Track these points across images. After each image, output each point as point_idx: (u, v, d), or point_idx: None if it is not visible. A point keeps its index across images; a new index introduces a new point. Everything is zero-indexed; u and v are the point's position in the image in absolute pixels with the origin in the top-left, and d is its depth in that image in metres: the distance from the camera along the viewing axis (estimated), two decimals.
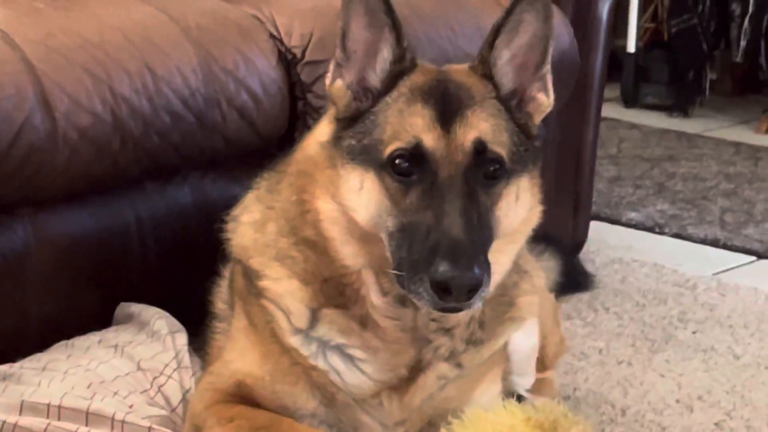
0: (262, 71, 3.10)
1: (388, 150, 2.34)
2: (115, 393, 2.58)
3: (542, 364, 3.03)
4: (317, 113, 3.13)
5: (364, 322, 2.47)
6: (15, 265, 2.80)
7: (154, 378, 2.68)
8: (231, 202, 2.72)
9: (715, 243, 4.55)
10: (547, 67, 2.47)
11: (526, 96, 2.47)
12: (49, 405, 2.51)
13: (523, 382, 2.92)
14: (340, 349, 2.49)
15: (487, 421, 2.44)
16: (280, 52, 3.18)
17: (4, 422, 2.47)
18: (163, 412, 2.61)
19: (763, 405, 3.25)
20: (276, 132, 3.16)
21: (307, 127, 3.15)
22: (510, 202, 2.39)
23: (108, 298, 2.94)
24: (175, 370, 2.71)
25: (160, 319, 2.82)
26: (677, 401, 3.25)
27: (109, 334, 2.82)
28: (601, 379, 3.35)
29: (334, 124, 2.44)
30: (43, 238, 2.83)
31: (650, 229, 4.69)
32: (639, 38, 6.48)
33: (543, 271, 3.21)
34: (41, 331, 2.85)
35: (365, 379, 2.49)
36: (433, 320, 2.47)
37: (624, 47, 6.37)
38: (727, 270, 4.31)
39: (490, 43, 2.43)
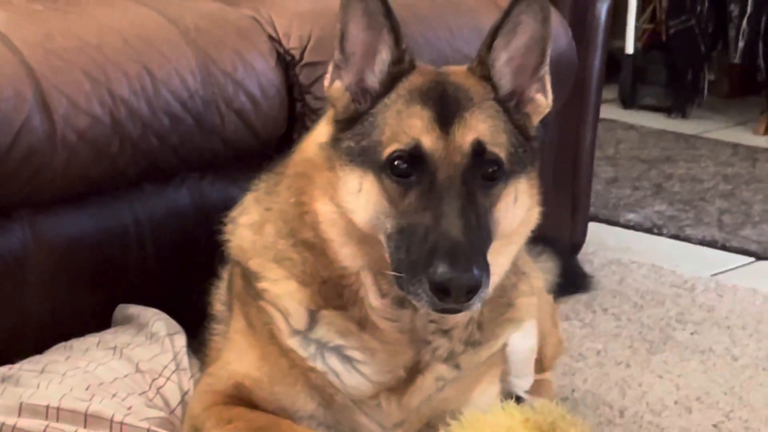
0: (261, 73, 3.11)
1: (387, 151, 2.34)
2: (114, 395, 2.58)
3: (540, 366, 3.03)
4: (316, 115, 3.13)
5: (363, 323, 2.47)
6: (14, 266, 2.80)
7: (153, 380, 2.68)
8: (229, 203, 2.72)
9: (713, 244, 4.56)
10: (546, 69, 2.47)
11: (524, 97, 2.47)
12: (47, 407, 2.51)
13: (522, 383, 2.92)
14: (338, 351, 2.49)
15: (485, 423, 2.44)
16: (278, 53, 3.18)
17: (3, 424, 2.47)
18: (162, 414, 2.61)
19: (761, 406, 3.25)
20: (274, 134, 3.16)
21: (306, 129, 3.15)
22: (508, 204, 2.39)
23: (107, 299, 2.94)
24: (173, 371, 2.71)
25: (158, 321, 2.82)
26: (675, 402, 3.25)
27: (108, 336, 2.82)
28: (599, 380, 3.36)
29: (333, 125, 2.44)
30: (42, 240, 2.83)
31: (648, 230, 4.69)
32: (637, 39, 6.48)
33: (541, 272, 3.21)
34: (40, 333, 2.85)
35: (363, 380, 2.50)
36: (432, 321, 2.47)
37: (622, 48, 6.37)
38: (725, 271, 4.31)
39: (488, 44, 2.44)
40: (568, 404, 3.13)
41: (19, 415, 2.51)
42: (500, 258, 2.44)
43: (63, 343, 2.80)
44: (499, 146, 2.37)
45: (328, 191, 2.40)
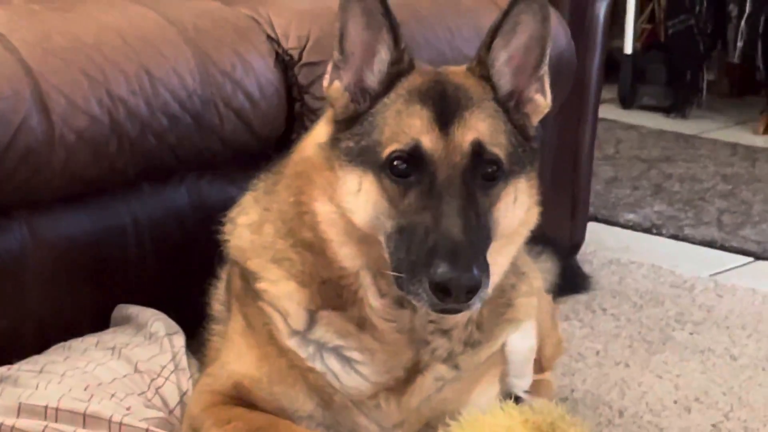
0: (259, 73, 3.10)
1: (387, 151, 2.33)
2: (113, 395, 2.58)
3: (540, 366, 3.03)
4: (314, 115, 3.13)
5: (362, 324, 2.47)
6: (12, 266, 2.80)
7: (152, 380, 2.68)
8: (228, 203, 2.72)
9: (712, 244, 4.55)
10: (545, 68, 2.47)
11: (523, 97, 2.47)
12: (46, 407, 2.50)
13: (521, 383, 2.92)
14: (337, 351, 2.49)
15: (484, 423, 2.44)
16: (277, 53, 3.17)
17: (1, 424, 2.47)
18: (161, 414, 2.61)
19: (760, 406, 3.25)
20: (273, 133, 3.16)
21: (305, 129, 3.15)
22: (508, 204, 2.39)
23: (105, 299, 2.94)
24: (172, 372, 2.71)
25: (157, 321, 2.82)
26: (675, 402, 3.25)
27: (107, 336, 2.81)
28: (599, 380, 3.35)
29: (332, 125, 2.43)
30: (40, 240, 2.83)
31: (647, 230, 4.68)
32: (636, 39, 6.48)
33: (540, 272, 3.21)
34: (38, 333, 2.84)
35: (362, 380, 2.49)
36: (431, 321, 2.47)
37: (621, 48, 6.37)
38: (725, 271, 4.31)
39: (488, 44, 2.43)
40: (568, 404, 3.13)
41: (18, 415, 2.51)
42: (499, 258, 2.44)
43: (62, 344, 2.80)
44: (499, 146, 2.37)
45: (328, 191, 2.39)
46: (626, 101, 6.44)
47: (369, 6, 2.36)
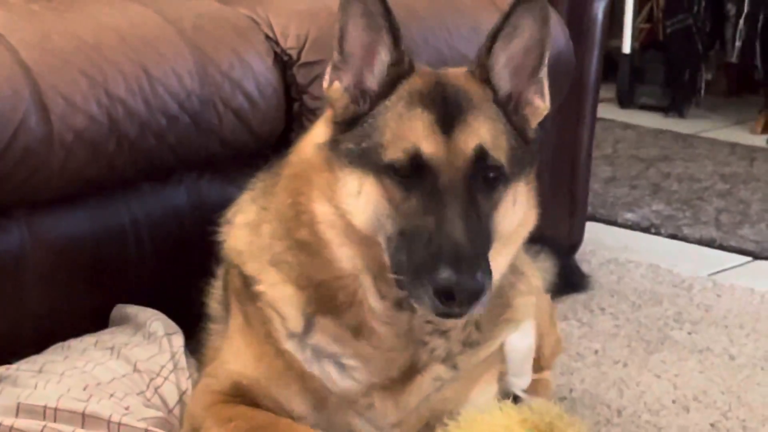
0: (258, 73, 3.10)
1: (389, 154, 2.33)
2: (112, 395, 2.58)
3: (539, 365, 3.03)
4: (313, 114, 3.13)
5: (358, 330, 2.46)
6: (11, 266, 2.80)
7: (151, 379, 2.68)
8: (227, 203, 2.72)
9: (710, 243, 4.56)
10: (544, 71, 2.47)
11: (522, 99, 2.47)
12: (45, 407, 2.50)
13: (520, 382, 2.92)
14: (333, 358, 2.49)
15: (482, 423, 2.44)
16: (275, 53, 3.17)
17: (0, 424, 2.47)
18: (160, 414, 2.61)
19: (758, 405, 3.25)
20: (272, 133, 3.16)
21: (303, 128, 3.15)
22: (508, 207, 2.39)
23: (104, 299, 2.94)
24: (171, 371, 2.71)
25: (156, 321, 2.82)
26: (673, 402, 3.25)
27: (106, 336, 2.81)
28: (597, 379, 3.35)
29: (332, 127, 2.43)
30: (39, 240, 2.83)
31: (646, 230, 4.69)
32: (634, 39, 6.48)
33: (539, 271, 3.21)
34: (37, 333, 2.84)
35: (355, 383, 2.49)
36: (429, 322, 2.47)
37: (619, 48, 6.37)
38: (723, 270, 4.31)
39: (488, 47, 2.43)
40: (566, 404, 3.13)
41: (17, 415, 2.50)
42: (499, 259, 2.44)
43: (61, 343, 2.80)
44: (500, 150, 2.37)
45: (327, 192, 2.39)
46: (624, 101, 6.44)
47: (369, 7, 2.35)
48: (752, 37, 6.06)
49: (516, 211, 2.41)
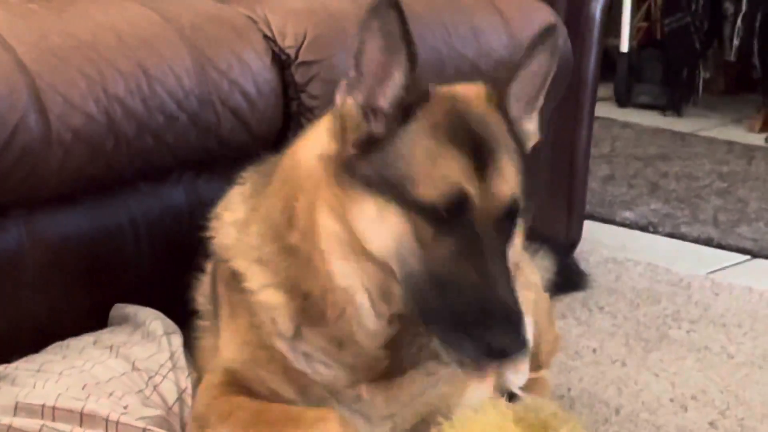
0: (256, 72, 3.10)
1: (421, 191, 2.28)
2: (111, 394, 2.58)
3: (537, 363, 3.03)
4: (311, 113, 3.14)
5: (342, 342, 2.45)
6: (9, 265, 2.79)
7: (150, 378, 2.67)
8: None
9: (708, 242, 4.56)
10: (541, 100, 2.47)
11: (521, 126, 2.47)
12: (43, 406, 2.50)
13: (517, 380, 2.92)
14: (321, 362, 2.49)
15: (476, 422, 2.43)
16: (273, 52, 3.17)
17: None
18: (159, 412, 2.61)
19: (757, 404, 3.25)
20: (270, 132, 3.16)
21: (301, 127, 3.16)
22: (518, 242, 2.42)
23: (102, 298, 2.94)
24: (170, 370, 2.71)
25: (155, 320, 2.82)
26: (671, 400, 3.25)
27: (104, 335, 2.81)
28: (595, 378, 3.36)
29: (339, 142, 2.37)
30: (37, 239, 2.83)
31: (644, 229, 4.69)
32: (632, 37, 6.48)
33: (538, 270, 3.22)
34: (36, 332, 2.84)
35: (340, 378, 2.49)
36: (418, 335, 2.46)
37: (617, 46, 6.37)
38: (721, 269, 4.31)
39: (511, 78, 2.42)
40: (564, 402, 3.14)
41: (15, 414, 2.50)
42: None
43: (59, 342, 2.80)
44: (522, 191, 2.37)
45: (336, 209, 2.35)
46: (622, 99, 6.44)
47: (389, 28, 2.29)
48: (750, 36, 6.07)
49: (520, 236, 2.43)
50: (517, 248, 2.47)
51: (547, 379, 3.13)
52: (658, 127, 6.06)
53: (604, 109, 6.08)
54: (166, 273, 3.00)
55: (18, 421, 2.48)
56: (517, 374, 2.91)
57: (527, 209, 2.41)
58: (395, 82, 2.34)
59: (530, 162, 2.46)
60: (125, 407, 2.55)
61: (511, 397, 2.72)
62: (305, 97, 3.18)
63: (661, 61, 6.41)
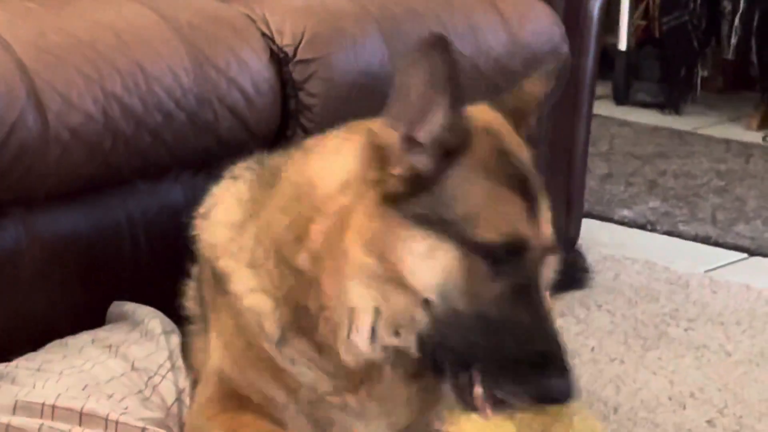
0: (254, 70, 3.10)
1: (482, 233, 2.26)
2: (110, 396, 2.58)
3: None
4: (309, 111, 3.13)
5: (323, 350, 2.43)
6: (6, 264, 2.79)
7: (149, 377, 2.67)
8: None
9: (706, 240, 4.56)
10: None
11: None
12: (43, 404, 2.50)
13: None
14: (305, 365, 2.48)
15: (473, 420, 2.43)
16: (271, 50, 3.17)
17: None
18: (159, 414, 2.60)
19: (755, 402, 3.25)
20: (268, 130, 3.15)
21: (299, 125, 3.16)
22: None
23: (100, 296, 2.94)
24: (169, 370, 2.71)
25: (153, 319, 2.82)
26: (669, 398, 3.25)
27: (103, 334, 2.81)
28: (594, 376, 3.36)
29: (380, 175, 2.31)
30: (35, 238, 2.82)
31: (642, 227, 4.69)
32: (630, 35, 6.48)
33: None
34: (34, 330, 2.84)
35: (324, 383, 2.48)
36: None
37: (615, 45, 6.37)
38: (719, 267, 4.31)
39: (540, 116, 2.47)
40: None
41: (14, 413, 2.50)
42: None
43: (58, 341, 2.80)
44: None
45: (376, 243, 2.29)
46: (620, 97, 6.44)
47: (436, 68, 2.24)
48: (748, 34, 6.07)
49: None
50: None
51: None
52: (656, 125, 6.06)
53: (603, 107, 6.08)
54: (164, 271, 3.00)
55: (17, 420, 2.48)
56: None
57: None
58: (436, 120, 2.28)
59: None
60: (125, 409, 2.55)
61: None
62: (303, 95, 3.18)
63: (659, 59, 6.40)
